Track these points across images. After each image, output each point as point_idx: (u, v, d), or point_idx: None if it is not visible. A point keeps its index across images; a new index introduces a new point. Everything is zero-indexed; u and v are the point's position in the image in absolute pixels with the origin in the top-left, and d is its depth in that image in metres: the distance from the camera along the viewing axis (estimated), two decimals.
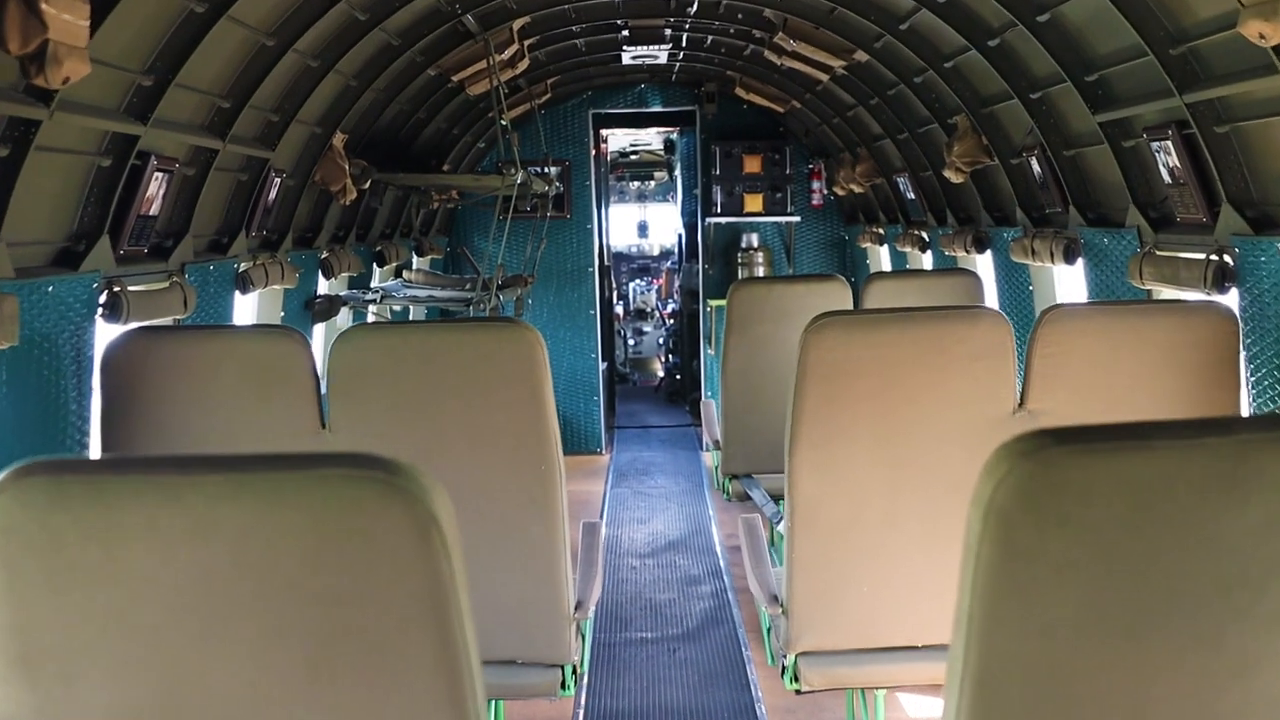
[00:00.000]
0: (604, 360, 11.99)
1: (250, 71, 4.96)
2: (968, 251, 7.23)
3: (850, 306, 6.34)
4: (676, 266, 14.74)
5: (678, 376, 14.59)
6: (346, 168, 6.54)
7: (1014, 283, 6.71)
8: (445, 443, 3.73)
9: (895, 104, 7.67)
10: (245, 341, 3.76)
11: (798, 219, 11.24)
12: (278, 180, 5.83)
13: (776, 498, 6.81)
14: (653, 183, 17.10)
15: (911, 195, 8.59)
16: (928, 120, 7.25)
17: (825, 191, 11.32)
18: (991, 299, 6.94)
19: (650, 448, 11.89)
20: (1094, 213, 5.57)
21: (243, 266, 5.65)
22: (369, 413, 3.68)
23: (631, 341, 16.27)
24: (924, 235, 8.48)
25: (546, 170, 9.57)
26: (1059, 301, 6.44)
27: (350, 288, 7.86)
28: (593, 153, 11.37)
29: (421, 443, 3.71)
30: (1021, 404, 3.73)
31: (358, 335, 3.70)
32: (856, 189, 9.72)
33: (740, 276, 11.13)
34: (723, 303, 11.48)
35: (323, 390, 3.67)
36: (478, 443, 3.74)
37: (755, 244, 11.21)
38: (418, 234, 9.73)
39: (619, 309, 15.20)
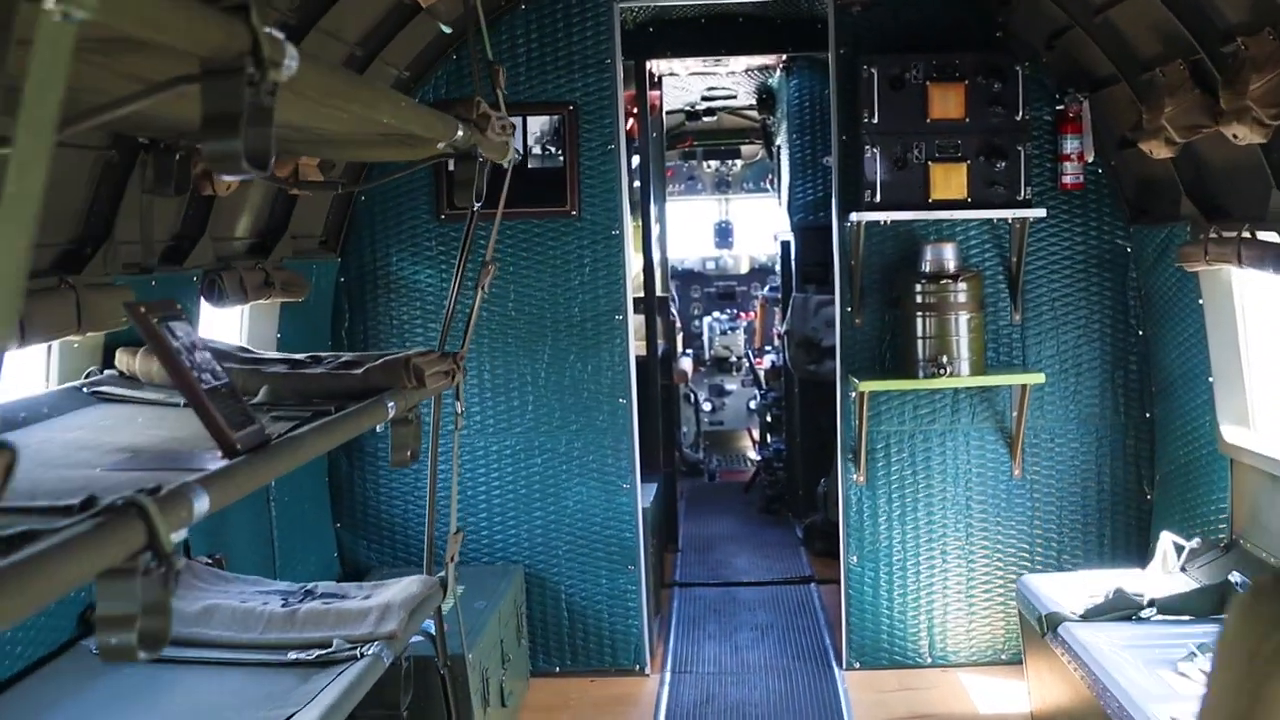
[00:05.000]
0: (650, 482, 6.46)
1: None
2: None
3: None
4: (778, 295, 9.10)
5: (779, 468, 8.95)
6: None
7: None
8: None
9: None
10: None
11: (1040, 213, 5.54)
12: None
13: None
14: (739, 162, 11.37)
15: None
16: None
17: (1090, 158, 5.60)
18: None
19: (739, 647, 6.28)
20: None
21: None
22: None
23: (706, 407, 10.65)
24: None
25: (495, 115, 3.75)
26: None
27: None
28: (621, 95, 5.79)
29: None
30: None
31: None
32: (1249, 133, 3.99)
33: (922, 330, 5.46)
34: (880, 386, 5.85)
35: None
36: None
37: (952, 264, 5.52)
38: (224, 256, 4.32)
39: (685, 362, 9.62)
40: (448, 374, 3.79)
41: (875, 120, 5.41)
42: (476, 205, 3.84)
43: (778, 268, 9.06)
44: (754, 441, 10.37)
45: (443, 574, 4.06)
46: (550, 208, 5.70)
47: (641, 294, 7.43)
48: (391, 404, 3.34)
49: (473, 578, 5.44)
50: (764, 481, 9.18)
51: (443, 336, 4.02)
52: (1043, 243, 5.77)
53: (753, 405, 10.41)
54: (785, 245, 8.49)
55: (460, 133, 3.36)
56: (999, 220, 5.70)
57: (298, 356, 3.86)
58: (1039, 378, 5.54)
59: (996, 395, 5.76)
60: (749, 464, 10.49)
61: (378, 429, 3.41)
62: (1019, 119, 5.43)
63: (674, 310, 9.57)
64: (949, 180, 5.43)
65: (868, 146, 5.43)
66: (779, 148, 8.75)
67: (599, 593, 5.86)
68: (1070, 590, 4.81)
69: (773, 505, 8.99)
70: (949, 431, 5.77)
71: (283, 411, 3.23)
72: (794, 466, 8.52)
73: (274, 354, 4.06)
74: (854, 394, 5.67)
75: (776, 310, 9.34)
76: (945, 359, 5.40)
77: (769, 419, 9.33)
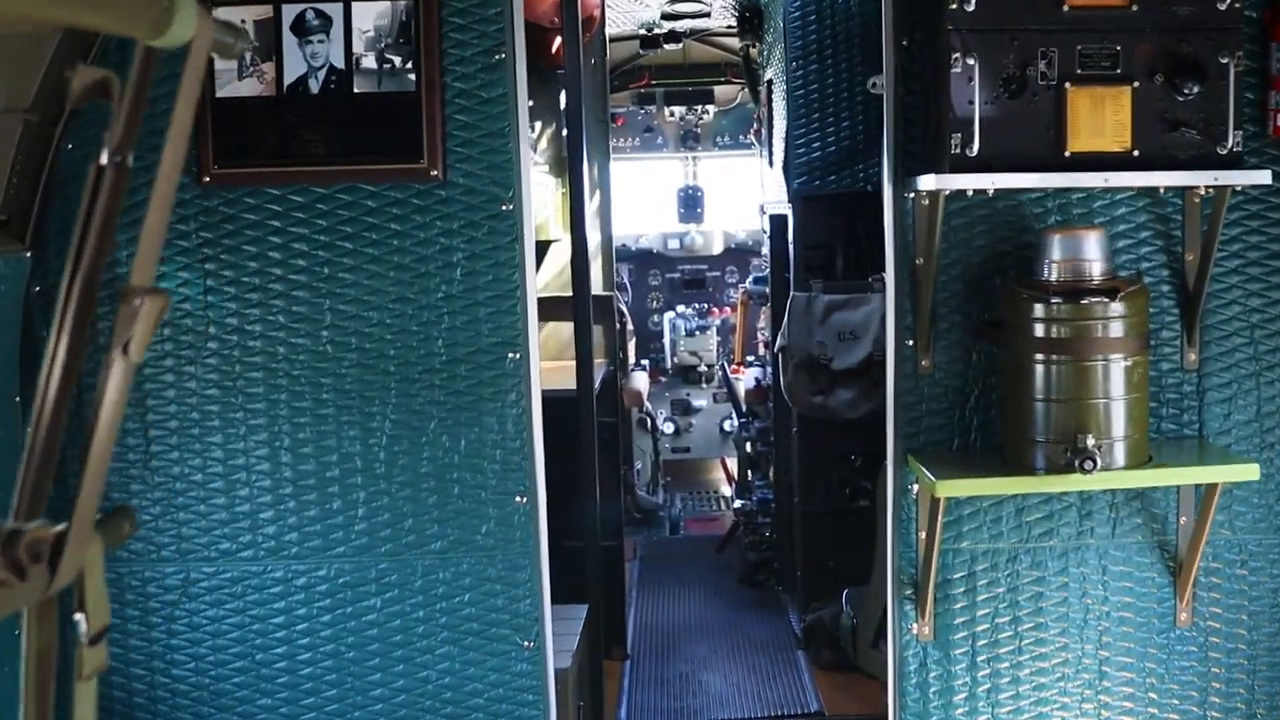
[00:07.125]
0: (574, 603, 4.09)
1: None
2: None
3: None
4: (764, 289, 6.68)
5: (764, 525, 6.61)
6: None
7: None
8: None
9: None
10: None
11: (1263, 177, 3.15)
12: None
13: None
14: (712, 108, 8.88)
15: None
16: None
17: None
18: None
19: None
20: None
21: None
22: None
23: (668, 429, 8.24)
24: None
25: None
26: None
27: None
28: None
29: None
30: None
31: None
32: None
33: (1045, 386, 3.08)
34: (969, 489, 3.18)
35: None
36: None
37: (1097, 266, 3.14)
38: None
39: (638, 378, 7.22)
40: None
41: (970, 7, 3.00)
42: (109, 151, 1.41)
43: (765, 250, 6.64)
44: (730, 478, 7.99)
45: None
46: (392, 163, 3.26)
47: (569, 293, 5.00)
48: None
49: None
50: (745, 540, 6.81)
51: (22, 490, 1.51)
52: (1233, 231, 3.41)
53: (728, 428, 8.03)
54: (777, 221, 6.07)
55: None
56: (1165, 192, 3.33)
57: None
58: (1249, 471, 3.18)
59: (1152, 490, 3.42)
60: (722, 507, 8.12)
61: None
62: (1224, 7, 3.05)
63: (624, 306, 7.17)
64: (1101, 116, 3.04)
65: (956, 56, 3.01)
66: (769, 84, 6.31)
67: None
68: None
69: (757, 575, 6.64)
70: (1073, 550, 3.42)
71: None
72: (788, 526, 6.17)
73: None
74: (917, 492, 3.30)
75: (763, 310, 6.94)
76: (1090, 440, 3.02)
77: (754, 454, 6.96)
